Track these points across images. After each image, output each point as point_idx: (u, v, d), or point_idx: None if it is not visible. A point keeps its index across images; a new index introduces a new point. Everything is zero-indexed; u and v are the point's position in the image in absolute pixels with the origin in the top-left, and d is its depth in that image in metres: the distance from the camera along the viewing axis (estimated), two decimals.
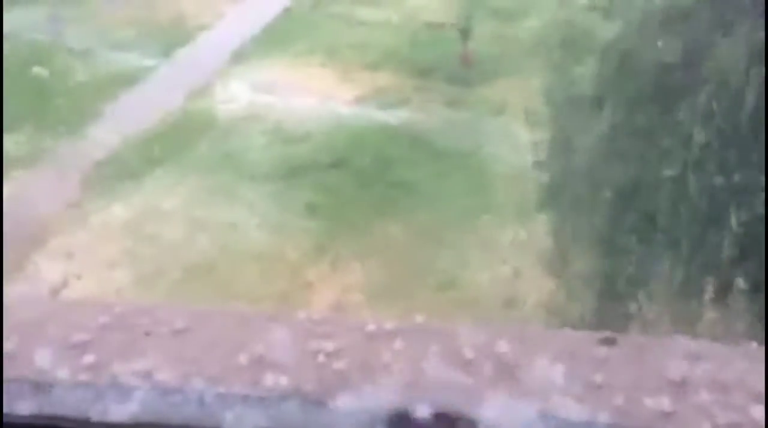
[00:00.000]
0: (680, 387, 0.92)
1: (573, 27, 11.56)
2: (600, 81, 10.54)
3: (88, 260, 13.81)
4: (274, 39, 21.70)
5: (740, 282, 9.02)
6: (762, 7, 8.68)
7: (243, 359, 0.99)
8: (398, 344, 1.00)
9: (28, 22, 21.18)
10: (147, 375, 0.96)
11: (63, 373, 0.96)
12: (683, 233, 9.48)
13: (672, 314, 9.47)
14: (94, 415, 0.90)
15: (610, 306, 10.13)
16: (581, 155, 10.78)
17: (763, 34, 8.70)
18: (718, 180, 9.16)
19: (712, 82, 9.13)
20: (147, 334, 1.03)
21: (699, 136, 9.24)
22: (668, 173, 9.43)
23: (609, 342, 0.97)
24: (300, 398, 0.91)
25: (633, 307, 9.81)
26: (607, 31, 10.90)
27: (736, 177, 8.98)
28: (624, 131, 10.25)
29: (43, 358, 0.98)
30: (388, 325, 1.05)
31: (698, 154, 9.28)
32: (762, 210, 8.70)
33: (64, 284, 13.03)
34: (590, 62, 10.96)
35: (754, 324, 8.64)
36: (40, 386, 0.93)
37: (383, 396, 0.93)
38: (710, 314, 9.20)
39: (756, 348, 0.96)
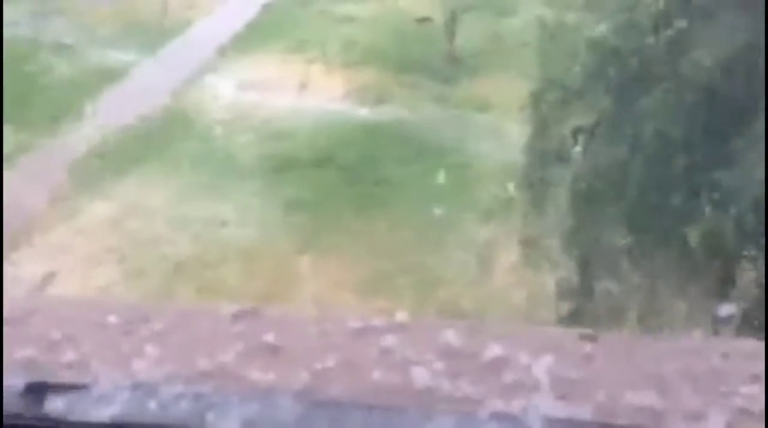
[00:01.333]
0: (663, 384, 0.93)
1: (560, 24, 11.65)
2: (587, 73, 10.64)
3: (71, 257, 13.74)
4: (260, 35, 21.64)
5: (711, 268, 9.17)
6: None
7: (227, 357, 0.99)
8: (383, 341, 1.00)
9: (10, 18, 21.00)
10: (129, 374, 0.95)
11: (43, 372, 0.95)
12: (654, 217, 9.62)
13: (643, 300, 9.60)
14: (75, 415, 0.90)
15: (589, 298, 10.24)
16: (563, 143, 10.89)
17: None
18: (691, 168, 9.30)
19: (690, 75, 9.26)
20: (129, 332, 1.03)
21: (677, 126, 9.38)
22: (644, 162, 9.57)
23: (590, 338, 0.98)
24: (285, 397, 0.91)
25: (606, 294, 9.94)
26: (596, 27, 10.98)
27: (710, 166, 9.11)
28: (607, 118, 10.37)
29: (23, 357, 0.97)
30: (373, 322, 1.05)
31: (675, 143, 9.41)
32: (732, 199, 8.82)
33: (47, 281, 12.96)
34: (578, 56, 11.04)
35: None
36: (22, 386, 0.93)
37: (369, 392, 0.93)
38: (678, 300, 9.33)
39: (738, 343, 0.97)
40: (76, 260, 13.67)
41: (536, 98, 12.16)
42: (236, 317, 1.06)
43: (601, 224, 10.39)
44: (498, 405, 0.89)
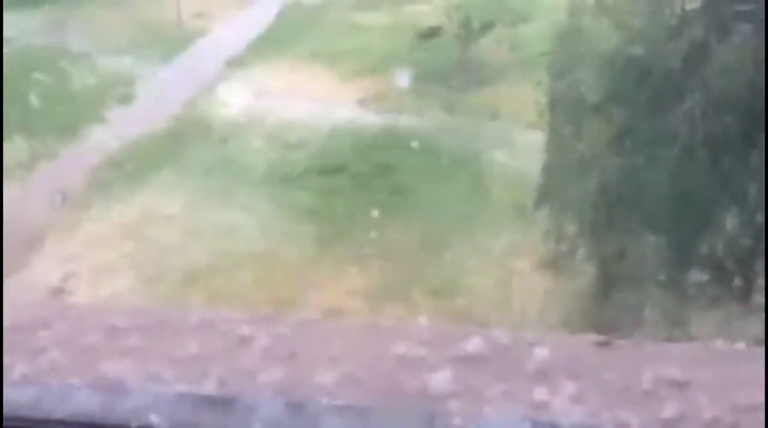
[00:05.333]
0: (675, 389, 0.92)
1: (576, 32, 11.60)
2: (605, 83, 10.58)
3: (86, 264, 13.80)
4: (274, 44, 21.73)
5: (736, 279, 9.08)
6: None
7: (243, 362, 0.99)
8: (396, 347, 1.00)
9: (27, 28, 21.19)
10: (142, 376, 0.96)
11: (60, 375, 0.96)
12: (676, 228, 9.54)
13: (665, 308, 9.53)
14: (79, 416, 0.90)
15: (606, 305, 10.18)
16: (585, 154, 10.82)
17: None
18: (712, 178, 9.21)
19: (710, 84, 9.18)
20: (143, 336, 1.03)
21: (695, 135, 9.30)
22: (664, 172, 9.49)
23: (604, 344, 0.98)
24: (301, 400, 0.92)
25: (628, 305, 9.87)
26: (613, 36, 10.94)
27: (730, 176, 9.03)
28: (627, 131, 10.30)
29: (37, 360, 0.98)
30: (386, 329, 1.05)
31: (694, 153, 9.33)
32: (754, 208, 8.74)
33: (62, 288, 13.01)
34: (595, 66, 11.00)
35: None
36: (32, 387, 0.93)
37: (388, 396, 0.93)
38: (698, 304, 9.27)
39: (747, 349, 0.97)
40: (91, 267, 13.73)
41: (553, 107, 12.12)
42: (251, 323, 1.06)
43: (622, 233, 10.33)
44: (512, 408, 0.89)
